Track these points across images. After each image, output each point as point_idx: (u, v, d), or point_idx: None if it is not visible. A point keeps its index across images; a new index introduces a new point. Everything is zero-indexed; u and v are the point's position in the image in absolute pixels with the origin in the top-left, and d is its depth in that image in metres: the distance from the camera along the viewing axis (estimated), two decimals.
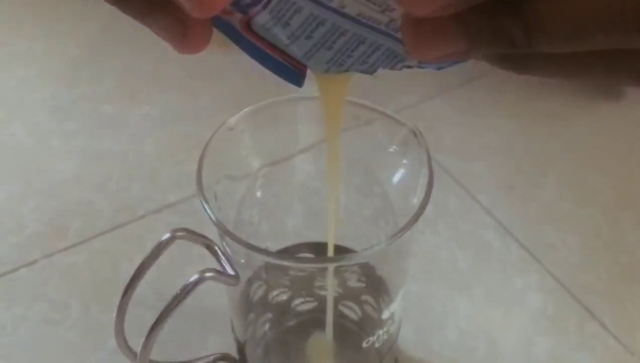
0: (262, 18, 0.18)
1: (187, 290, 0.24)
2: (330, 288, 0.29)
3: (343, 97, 0.24)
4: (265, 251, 0.25)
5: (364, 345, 0.30)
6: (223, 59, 0.54)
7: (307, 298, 0.32)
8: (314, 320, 0.32)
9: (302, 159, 0.32)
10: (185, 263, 0.35)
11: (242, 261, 0.26)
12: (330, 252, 0.28)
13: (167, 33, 0.18)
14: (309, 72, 0.21)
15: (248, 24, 0.19)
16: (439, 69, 0.19)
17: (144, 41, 0.56)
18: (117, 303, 0.26)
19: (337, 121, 0.24)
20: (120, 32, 0.57)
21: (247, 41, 0.20)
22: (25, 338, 0.36)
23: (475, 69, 0.53)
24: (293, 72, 0.20)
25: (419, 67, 0.19)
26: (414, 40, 0.16)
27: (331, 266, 0.28)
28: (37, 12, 0.60)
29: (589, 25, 0.15)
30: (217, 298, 0.31)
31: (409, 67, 0.19)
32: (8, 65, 0.55)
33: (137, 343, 0.27)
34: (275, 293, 0.32)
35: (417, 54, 0.17)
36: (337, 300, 0.32)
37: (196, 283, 0.24)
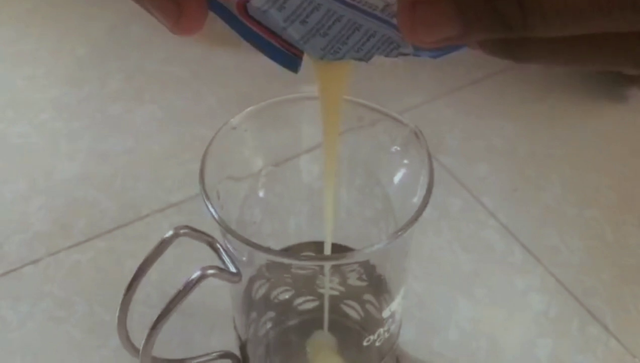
0: (258, 0, 0.18)
1: (189, 287, 0.25)
2: (327, 285, 0.30)
3: (341, 89, 0.23)
4: (265, 249, 0.25)
5: (365, 343, 0.30)
6: (229, 60, 0.54)
7: (309, 297, 0.33)
8: (316, 319, 0.32)
9: (305, 159, 0.32)
10: (188, 264, 0.36)
11: (244, 259, 0.27)
12: (328, 250, 0.28)
13: (162, 13, 0.18)
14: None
15: (244, 7, 0.19)
16: (434, 57, 0.19)
17: (150, 42, 0.56)
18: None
19: (335, 114, 0.24)
20: (126, 32, 0.58)
21: (243, 25, 0.20)
22: (31, 335, 0.37)
23: (479, 71, 0.54)
24: (289, 58, 0.20)
25: (415, 54, 0.19)
26: (410, 24, 0.16)
27: (331, 264, 0.28)
28: (45, 13, 0.61)
29: (585, 7, 0.15)
30: (220, 296, 0.31)
31: (404, 54, 0.19)
32: (16, 64, 0.55)
33: (140, 341, 0.27)
34: (277, 291, 0.32)
35: (412, 39, 0.17)
36: (339, 299, 0.32)
37: (198, 279, 0.25)
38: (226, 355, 0.33)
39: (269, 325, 0.33)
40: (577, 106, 0.51)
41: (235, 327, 0.31)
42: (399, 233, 0.25)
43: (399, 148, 0.29)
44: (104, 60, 0.56)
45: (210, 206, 0.25)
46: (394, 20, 0.18)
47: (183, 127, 0.49)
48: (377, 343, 0.30)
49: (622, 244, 0.42)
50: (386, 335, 0.30)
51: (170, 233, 0.26)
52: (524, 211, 0.44)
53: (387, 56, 0.19)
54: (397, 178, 0.29)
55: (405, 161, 0.29)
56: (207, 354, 0.32)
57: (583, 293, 0.39)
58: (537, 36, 0.16)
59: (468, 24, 0.16)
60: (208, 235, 0.27)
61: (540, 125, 0.50)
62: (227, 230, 0.25)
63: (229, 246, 0.27)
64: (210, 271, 0.25)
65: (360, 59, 0.20)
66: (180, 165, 0.46)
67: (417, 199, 0.26)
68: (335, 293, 0.32)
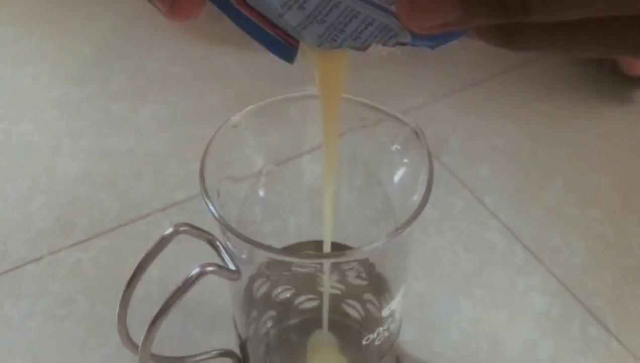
0: None
1: (188, 283, 0.25)
2: (327, 284, 0.30)
3: (340, 81, 0.23)
4: (264, 246, 0.25)
5: (364, 342, 0.30)
6: (230, 60, 0.54)
7: (310, 296, 0.33)
8: (316, 319, 0.32)
9: (305, 158, 0.32)
10: (189, 262, 0.36)
11: (244, 257, 0.27)
12: (328, 248, 0.28)
13: None
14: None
15: None
16: (432, 47, 0.19)
17: (152, 42, 0.56)
18: None
19: (334, 107, 0.24)
20: (130, 32, 0.58)
21: (239, 13, 0.19)
22: (32, 333, 0.37)
23: (480, 72, 0.54)
24: (285, 47, 0.20)
25: (412, 44, 0.19)
26: (408, 8, 0.16)
27: (330, 262, 0.28)
28: (49, 12, 0.61)
29: None
30: (221, 295, 0.31)
31: (402, 43, 0.19)
32: (19, 64, 0.56)
33: (141, 339, 0.27)
34: (278, 290, 0.32)
35: (411, 24, 0.17)
36: (339, 298, 0.32)
37: (197, 276, 0.25)
38: (226, 353, 0.33)
39: (269, 323, 0.33)
40: (579, 107, 0.51)
41: (235, 326, 0.31)
42: (399, 231, 0.25)
43: (399, 147, 0.29)
44: (107, 60, 0.56)
45: (209, 204, 0.25)
46: (392, 8, 0.18)
47: (185, 127, 0.49)
48: (377, 342, 0.30)
49: (624, 245, 0.42)
50: (386, 334, 0.30)
51: (170, 230, 0.26)
52: (525, 212, 0.44)
53: (384, 45, 0.19)
54: (397, 177, 0.29)
55: (406, 160, 0.29)
56: (207, 352, 0.32)
57: (584, 294, 0.39)
58: (536, 21, 0.15)
59: (467, 8, 0.16)
60: (208, 233, 0.27)
61: (542, 126, 0.50)
62: (226, 227, 0.25)
63: (228, 244, 0.27)
64: (210, 269, 0.25)
65: (357, 48, 0.20)
66: (182, 165, 0.46)
67: (417, 198, 0.26)
68: (336, 292, 0.32)
